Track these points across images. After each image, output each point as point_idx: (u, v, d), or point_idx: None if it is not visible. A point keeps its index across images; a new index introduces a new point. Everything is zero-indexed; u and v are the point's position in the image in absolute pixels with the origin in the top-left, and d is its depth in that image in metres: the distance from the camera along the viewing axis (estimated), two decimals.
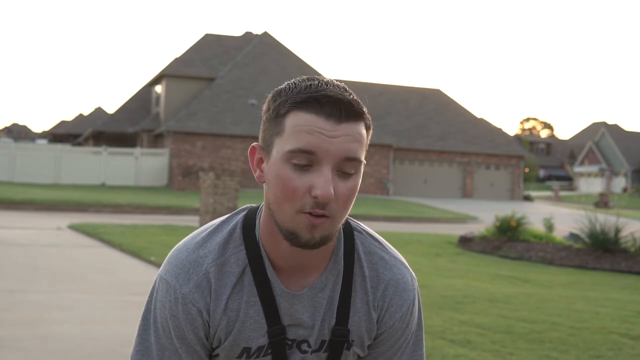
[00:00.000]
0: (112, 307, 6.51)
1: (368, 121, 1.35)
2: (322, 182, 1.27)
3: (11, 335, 5.25)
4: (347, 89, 1.34)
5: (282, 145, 1.30)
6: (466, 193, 36.60)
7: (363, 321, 1.45)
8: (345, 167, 1.30)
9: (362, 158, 1.33)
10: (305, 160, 1.28)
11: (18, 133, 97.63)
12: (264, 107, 1.37)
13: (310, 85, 1.32)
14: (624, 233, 11.56)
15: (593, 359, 4.89)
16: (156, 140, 33.69)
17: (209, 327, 1.40)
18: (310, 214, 1.29)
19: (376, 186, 33.75)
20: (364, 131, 1.33)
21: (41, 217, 16.75)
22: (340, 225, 1.35)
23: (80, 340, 5.20)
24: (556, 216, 17.44)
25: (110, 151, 30.89)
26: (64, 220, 15.75)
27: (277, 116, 1.32)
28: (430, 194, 35.51)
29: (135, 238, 11.72)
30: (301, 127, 1.29)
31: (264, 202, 1.40)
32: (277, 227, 1.34)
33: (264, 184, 1.38)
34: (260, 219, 1.42)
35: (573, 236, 13.48)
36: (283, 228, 1.32)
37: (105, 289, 7.46)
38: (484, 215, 24.21)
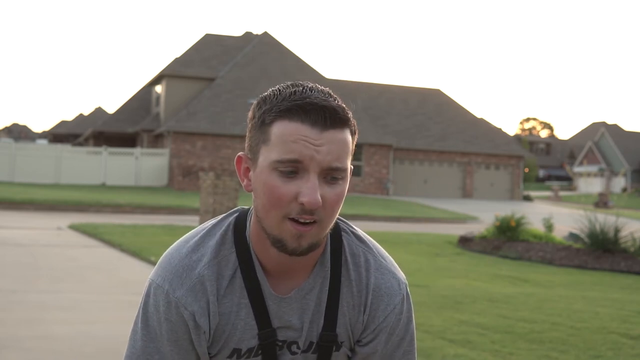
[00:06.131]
0: (112, 307, 6.52)
1: (353, 127, 1.36)
2: (309, 188, 1.28)
3: (12, 335, 5.26)
4: (332, 93, 1.34)
5: (268, 154, 1.32)
6: (466, 193, 36.61)
7: (349, 324, 1.47)
8: (331, 174, 1.31)
9: (348, 165, 1.34)
10: (291, 167, 1.29)
11: (18, 133, 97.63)
12: (250, 114, 1.38)
13: (295, 92, 1.32)
14: (623, 233, 11.56)
15: (593, 359, 4.90)
16: (156, 140, 33.69)
17: (202, 330, 1.40)
18: (296, 221, 1.30)
19: (376, 186, 33.75)
20: (349, 137, 1.34)
21: (41, 217, 16.75)
22: (327, 231, 1.36)
23: (80, 340, 5.20)
24: (556, 216, 17.42)
25: (110, 151, 30.89)
26: (64, 220, 15.75)
27: (263, 124, 1.33)
28: (430, 194, 35.52)
29: (136, 238, 11.72)
30: (287, 136, 1.29)
31: (252, 209, 1.42)
32: (265, 234, 1.36)
33: (252, 193, 1.39)
34: (250, 222, 1.44)
35: (573, 236, 13.47)
36: (270, 235, 1.34)
37: (105, 289, 7.46)
38: (484, 215, 24.20)
